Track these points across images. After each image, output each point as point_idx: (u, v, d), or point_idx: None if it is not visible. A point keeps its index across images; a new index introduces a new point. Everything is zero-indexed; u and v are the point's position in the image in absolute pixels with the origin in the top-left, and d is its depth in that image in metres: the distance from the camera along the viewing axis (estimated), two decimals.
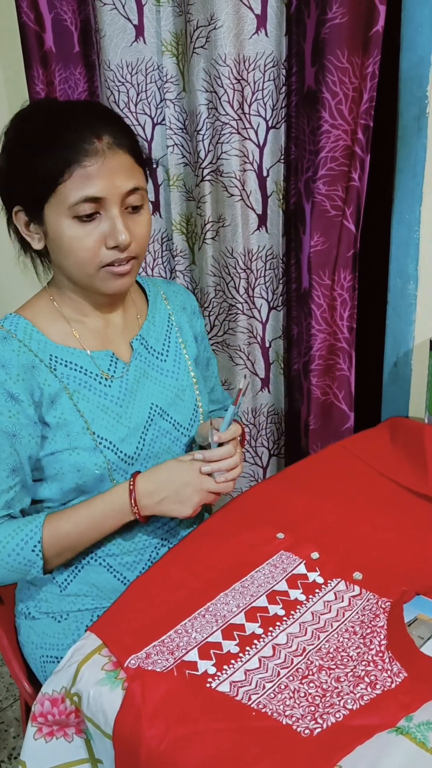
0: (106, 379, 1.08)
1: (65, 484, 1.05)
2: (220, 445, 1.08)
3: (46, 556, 1.03)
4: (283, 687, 0.85)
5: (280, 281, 1.62)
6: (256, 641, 0.92)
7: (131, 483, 1.04)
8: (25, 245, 1.07)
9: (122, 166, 0.97)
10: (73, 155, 0.94)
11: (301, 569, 1.03)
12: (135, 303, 1.17)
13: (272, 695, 0.84)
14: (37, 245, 1.03)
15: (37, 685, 1.20)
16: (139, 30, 1.52)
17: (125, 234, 0.97)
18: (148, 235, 1.03)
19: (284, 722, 0.80)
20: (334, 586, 1.00)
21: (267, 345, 1.66)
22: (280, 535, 1.10)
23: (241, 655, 0.90)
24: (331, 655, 0.89)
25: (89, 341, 1.09)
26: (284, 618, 0.95)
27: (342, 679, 0.86)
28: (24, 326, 1.04)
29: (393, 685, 0.84)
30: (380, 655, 0.89)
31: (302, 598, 0.98)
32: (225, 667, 0.88)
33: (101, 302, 1.08)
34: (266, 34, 1.42)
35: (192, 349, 1.21)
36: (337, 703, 0.83)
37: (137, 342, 1.13)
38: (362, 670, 0.86)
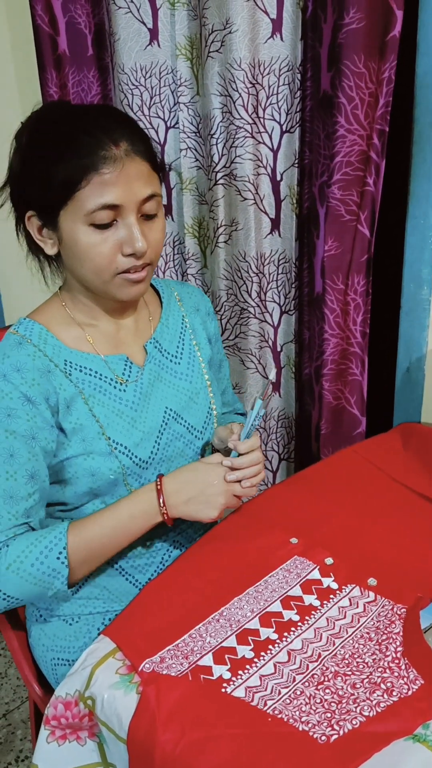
0: (121, 384, 1.08)
1: (79, 487, 1.05)
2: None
3: (72, 565, 0.98)
4: (298, 693, 0.85)
5: (293, 285, 1.62)
6: (270, 646, 0.91)
7: (158, 483, 1.03)
8: (35, 249, 1.06)
9: (139, 173, 0.96)
10: (91, 162, 0.93)
11: (315, 574, 1.03)
12: (147, 305, 1.16)
13: (288, 701, 0.84)
14: (50, 250, 1.02)
15: (46, 687, 1.19)
16: (154, 33, 1.53)
17: (142, 242, 0.96)
18: (162, 241, 1.03)
19: (300, 728, 0.80)
20: (349, 592, 1.00)
21: (278, 349, 1.66)
22: (294, 540, 1.10)
23: (255, 660, 0.89)
24: (346, 662, 0.89)
25: (103, 345, 1.08)
26: (299, 623, 0.95)
27: (358, 686, 0.85)
28: (39, 331, 1.04)
29: (410, 692, 0.84)
30: (396, 661, 0.88)
31: (317, 603, 0.98)
32: (240, 672, 0.88)
33: (114, 306, 1.08)
34: (281, 39, 1.42)
35: (206, 350, 1.20)
36: (354, 709, 0.82)
37: (151, 345, 1.13)
38: (378, 677, 0.86)
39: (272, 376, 1.11)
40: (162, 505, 1.02)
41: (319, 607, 0.97)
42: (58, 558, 0.97)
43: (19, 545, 0.97)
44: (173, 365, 1.15)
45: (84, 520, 1.03)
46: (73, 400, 1.03)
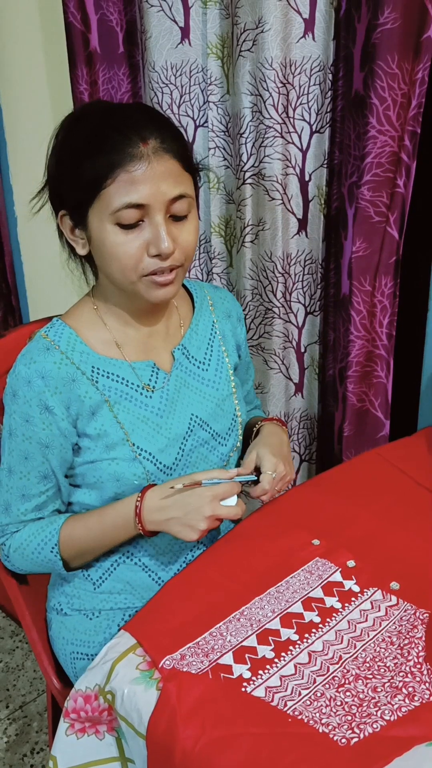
0: (147, 390, 1.08)
1: (104, 492, 1.06)
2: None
3: (64, 558, 1.06)
4: (319, 695, 0.84)
5: (318, 286, 1.61)
6: (291, 647, 0.91)
7: (139, 498, 1.03)
8: (71, 250, 1.06)
9: (169, 172, 0.94)
10: (118, 159, 0.92)
11: (337, 577, 1.02)
12: (178, 310, 1.15)
13: (308, 702, 0.84)
14: (82, 251, 1.02)
15: (65, 680, 1.20)
16: (185, 32, 1.53)
17: (168, 242, 0.95)
18: (194, 243, 1.00)
19: (321, 730, 0.80)
20: (371, 595, 0.99)
21: (302, 350, 1.66)
22: (316, 542, 1.09)
23: (276, 660, 0.89)
24: (367, 665, 0.88)
25: (131, 351, 1.08)
26: (320, 625, 0.94)
27: (379, 690, 0.85)
28: (68, 336, 1.04)
29: (431, 698, 0.83)
30: (418, 666, 0.87)
31: (338, 606, 0.98)
32: (260, 672, 0.88)
33: (144, 310, 1.07)
34: (313, 38, 1.41)
35: (233, 357, 1.20)
36: (375, 713, 0.82)
37: (179, 352, 1.12)
38: (400, 681, 0.85)
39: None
40: (138, 521, 1.02)
41: (341, 610, 0.97)
42: (51, 551, 1.05)
43: (24, 533, 1.07)
44: (200, 372, 1.14)
45: (78, 518, 1.07)
46: (98, 407, 1.04)
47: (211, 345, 1.17)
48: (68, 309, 1.10)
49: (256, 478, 1.10)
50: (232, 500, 1.03)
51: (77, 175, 0.95)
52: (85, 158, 0.94)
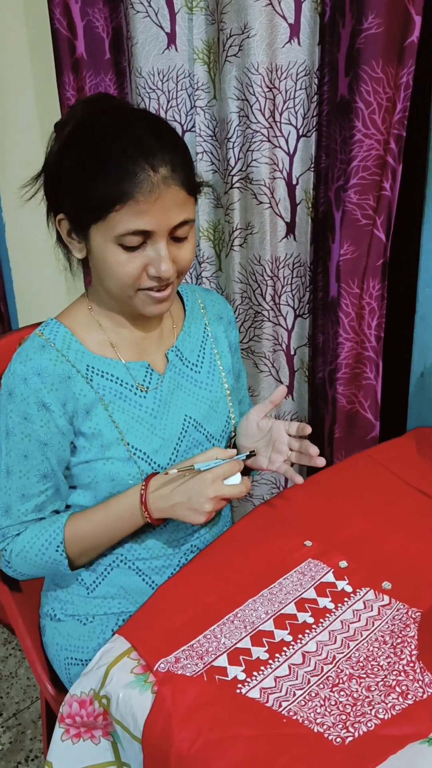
0: (141, 391, 1.08)
1: (99, 492, 1.06)
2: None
3: (70, 556, 1.05)
4: (313, 695, 0.85)
5: (307, 289, 1.62)
6: (285, 648, 0.91)
7: (143, 486, 1.04)
8: (64, 245, 1.07)
9: (175, 201, 0.94)
10: (128, 188, 0.92)
11: (330, 578, 1.03)
12: (171, 313, 1.16)
13: (303, 703, 0.84)
14: (78, 254, 1.02)
15: (59, 687, 1.20)
16: (171, 38, 1.54)
17: (168, 266, 0.96)
18: (191, 261, 1.02)
19: (316, 730, 0.80)
20: (363, 596, 1.00)
21: (292, 352, 1.67)
22: (308, 543, 1.10)
23: (270, 661, 0.90)
24: (361, 664, 0.89)
25: (125, 352, 1.09)
26: (313, 626, 0.95)
27: (373, 689, 0.85)
28: (63, 335, 1.05)
29: (425, 696, 0.84)
30: (411, 665, 0.88)
31: (331, 606, 0.98)
32: (255, 673, 0.88)
33: (138, 315, 1.07)
34: (299, 44, 1.43)
35: (226, 360, 1.20)
36: (369, 712, 0.82)
37: (172, 353, 1.13)
38: (393, 680, 0.86)
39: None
40: (144, 508, 1.03)
41: (334, 610, 0.97)
42: (57, 550, 1.04)
43: (26, 536, 1.06)
44: (193, 374, 1.15)
45: (81, 515, 1.06)
46: (93, 405, 1.04)
47: (204, 347, 1.18)
48: (63, 309, 1.11)
49: (253, 451, 1.10)
50: (236, 478, 1.03)
51: (83, 192, 0.95)
52: (94, 178, 0.94)
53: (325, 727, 0.81)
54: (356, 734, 0.80)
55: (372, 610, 0.97)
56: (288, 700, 0.84)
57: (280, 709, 0.83)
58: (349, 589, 1.01)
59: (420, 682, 0.86)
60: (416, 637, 0.92)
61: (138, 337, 1.10)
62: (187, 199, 0.97)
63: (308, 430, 1.09)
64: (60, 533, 1.04)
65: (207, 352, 1.18)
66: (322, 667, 0.89)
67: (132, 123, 0.97)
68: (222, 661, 0.89)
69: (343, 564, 1.05)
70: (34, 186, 1.04)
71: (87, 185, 0.94)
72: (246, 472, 1.11)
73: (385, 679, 0.86)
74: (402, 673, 0.87)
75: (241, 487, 1.03)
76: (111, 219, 0.94)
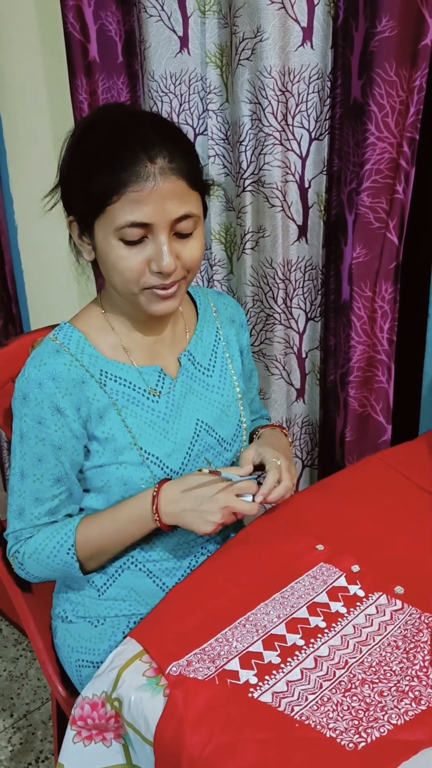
0: (154, 395, 1.08)
1: (111, 496, 1.07)
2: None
3: (81, 559, 1.05)
4: (326, 699, 0.85)
5: (319, 292, 1.62)
6: (297, 652, 0.91)
7: (155, 489, 1.04)
8: (79, 253, 1.07)
9: (174, 192, 0.94)
10: (124, 178, 0.92)
11: (342, 582, 1.03)
12: (183, 316, 1.16)
13: (315, 707, 0.84)
14: (88, 257, 1.03)
15: (69, 688, 1.20)
16: (184, 41, 1.54)
17: (169, 260, 0.95)
18: (199, 259, 1.01)
19: (328, 735, 0.80)
20: (376, 600, 1.00)
21: (303, 355, 1.66)
22: (320, 547, 1.10)
23: (282, 666, 0.89)
24: (373, 669, 0.89)
25: (138, 356, 1.09)
26: (325, 630, 0.95)
27: (385, 694, 0.85)
28: (77, 339, 1.05)
29: None
30: (424, 670, 0.88)
31: (343, 610, 0.98)
32: (267, 677, 0.88)
33: (150, 318, 1.07)
34: (312, 47, 1.42)
35: (237, 363, 1.20)
36: (381, 717, 0.82)
37: (185, 358, 1.13)
38: (406, 685, 0.86)
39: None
40: (155, 512, 1.03)
41: (346, 615, 0.97)
42: (68, 553, 1.04)
43: (38, 538, 1.06)
44: (205, 378, 1.15)
45: (92, 518, 1.07)
46: (106, 410, 1.04)
47: (216, 351, 1.18)
48: (76, 313, 1.11)
49: (259, 476, 1.09)
50: (248, 497, 1.03)
51: (85, 187, 0.96)
52: (94, 172, 0.94)
53: (337, 731, 0.80)
54: (369, 739, 0.79)
55: (384, 614, 0.97)
56: (300, 705, 0.84)
57: (293, 714, 0.83)
58: (361, 593, 1.01)
59: None
60: (429, 643, 0.92)
61: (150, 341, 1.10)
62: (188, 192, 0.96)
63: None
64: (71, 536, 1.04)
65: (219, 355, 1.18)
66: (335, 672, 0.88)
67: (133, 120, 0.98)
68: (234, 664, 0.89)
69: (356, 568, 1.05)
70: (54, 196, 1.04)
71: (87, 178, 0.95)
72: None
73: (397, 685, 0.86)
74: (415, 678, 0.87)
75: (254, 505, 1.03)
76: (110, 211, 0.94)
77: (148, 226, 0.94)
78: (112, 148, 0.94)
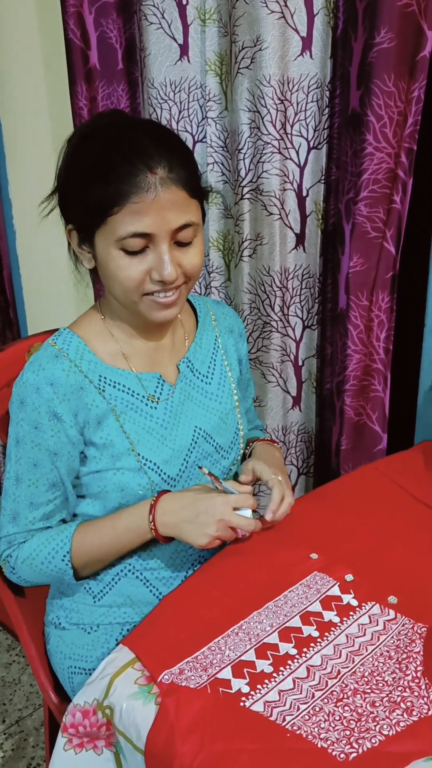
0: (152, 401, 1.08)
1: (108, 502, 1.07)
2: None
3: (75, 566, 1.05)
4: (317, 709, 0.84)
5: (316, 300, 1.63)
6: (290, 662, 0.91)
7: (153, 499, 1.04)
8: (78, 261, 1.08)
9: (174, 202, 0.94)
10: (125, 189, 0.92)
11: (335, 591, 1.03)
12: (183, 324, 1.17)
13: (307, 717, 0.84)
14: (88, 264, 1.03)
15: (62, 695, 1.20)
16: (184, 49, 1.55)
17: (171, 269, 0.96)
18: (199, 266, 1.01)
19: (319, 745, 0.80)
20: (369, 609, 0.99)
21: (300, 363, 1.67)
22: (314, 556, 1.10)
23: (275, 675, 0.89)
24: (366, 679, 0.89)
25: (138, 362, 1.09)
26: (318, 639, 0.95)
27: (377, 704, 0.85)
28: (77, 345, 1.05)
29: (430, 713, 0.83)
30: (416, 681, 0.88)
31: (336, 620, 0.98)
32: (259, 686, 0.88)
33: (150, 325, 1.08)
34: (311, 56, 1.43)
35: (236, 371, 1.21)
36: (373, 728, 0.82)
37: (184, 365, 1.14)
38: (398, 696, 0.86)
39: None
40: (152, 522, 1.02)
41: (339, 624, 0.97)
42: (62, 560, 1.04)
43: (33, 543, 1.05)
44: (204, 385, 1.15)
45: (88, 526, 1.06)
46: (104, 416, 1.04)
47: (214, 359, 1.18)
48: (75, 319, 1.11)
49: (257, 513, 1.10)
50: (247, 512, 1.03)
51: (85, 198, 0.96)
52: (93, 183, 0.95)
53: (329, 742, 0.80)
54: (360, 750, 0.79)
55: (377, 624, 0.97)
56: (292, 714, 0.84)
57: (284, 723, 0.83)
58: (354, 602, 1.01)
59: (425, 699, 0.85)
60: (421, 653, 0.92)
61: (150, 348, 1.11)
62: (188, 201, 0.96)
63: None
64: (67, 543, 1.04)
65: (218, 363, 1.18)
66: (327, 682, 0.88)
67: (130, 129, 0.98)
68: (226, 673, 0.89)
69: (349, 577, 1.05)
70: (50, 202, 1.04)
71: (86, 190, 0.95)
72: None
73: (389, 695, 0.86)
74: (407, 689, 0.87)
75: (252, 520, 1.03)
76: (111, 222, 0.95)
77: (150, 236, 0.95)
78: (111, 158, 0.94)
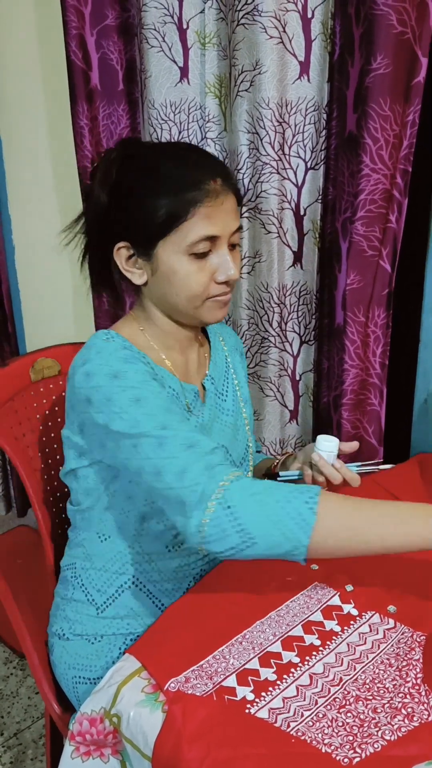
0: (189, 411, 1.11)
1: (140, 489, 1.04)
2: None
3: (319, 522, 0.84)
4: (321, 716, 0.87)
5: (313, 316, 1.66)
6: (293, 669, 0.93)
7: None
8: (102, 279, 1.10)
9: (232, 206, 1.03)
10: (198, 196, 0.98)
11: (336, 601, 1.05)
12: (201, 341, 1.20)
13: (310, 723, 0.86)
14: (139, 280, 1.05)
15: (64, 705, 1.21)
16: (184, 72, 1.59)
17: (235, 270, 1.03)
18: (241, 268, 1.07)
19: (324, 750, 0.82)
20: (369, 619, 1.02)
21: (297, 378, 1.70)
22: (314, 567, 1.12)
23: (278, 682, 0.91)
24: (367, 686, 0.91)
25: (178, 373, 1.11)
26: (320, 648, 0.97)
27: (379, 710, 0.87)
28: (123, 342, 1.03)
29: (430, 718, 0.85)
30: (416, 687, 0.90)
31: (337, 629, 1.00)
32: (263, 693, 0.89)
33: (186, 337, 1.11)
34: (308, 80, 1.47)
35: (244, 389, 1.25)
36: (375, 733, 0.84)
37: (209, 382, 1.17)
38: (399, 702, 0.88)
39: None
40: None
41: (340, 633, 0.99)
42: (306, 503, 0.85)
43: (266, 481, 0.89)
44: (222, 402, 1.19)
45: (340, 495, 0.89)
46: None
47: (227, 377, 1.22)
48: (113, 325, 1.12)
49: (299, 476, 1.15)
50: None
51: (151, 211, 1.00)
52: (162, 195, 0.99)
53: (332, 747, 0.82)
54: (363, 755, 0.81)
55: (377, 633, 0.99)
56: (296, 721, 0.86)
57: (289, 730, 0.85)
58: (354, 612, 1.03)
59: (425, 705, 0.87)
60: (421, 660, 0.94)
61: (184, 362, 1.14)
62: (237, 207, 1.05)
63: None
64: (314, 489, 0.87)
65: (230, 381, 1.22)
66: (329, 689, 0.90)
67: (176, 146, 1.07)
68: (231, 681, 0.91)
69: (349, 587, 1.07)
70: (73, 230, 1.08)
71: (155, 203, 0.99)
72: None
73: (391, 701, 0.88)
74: (407, 696, 0.89)
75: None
76: (182, 228, 0.99)
77: (216, 239, 1.01)
78: (174, 171, 1.00)
